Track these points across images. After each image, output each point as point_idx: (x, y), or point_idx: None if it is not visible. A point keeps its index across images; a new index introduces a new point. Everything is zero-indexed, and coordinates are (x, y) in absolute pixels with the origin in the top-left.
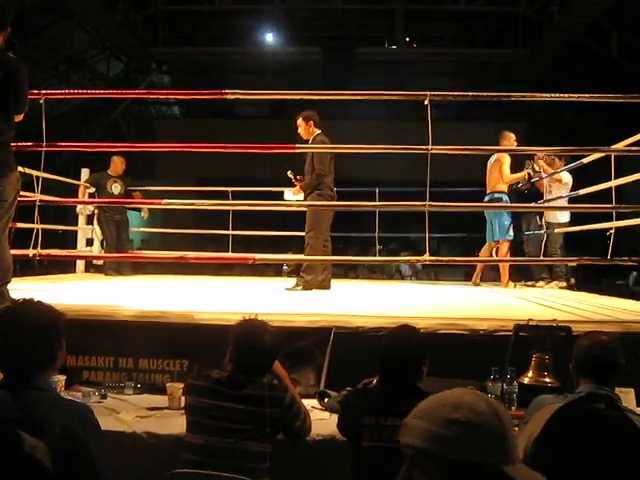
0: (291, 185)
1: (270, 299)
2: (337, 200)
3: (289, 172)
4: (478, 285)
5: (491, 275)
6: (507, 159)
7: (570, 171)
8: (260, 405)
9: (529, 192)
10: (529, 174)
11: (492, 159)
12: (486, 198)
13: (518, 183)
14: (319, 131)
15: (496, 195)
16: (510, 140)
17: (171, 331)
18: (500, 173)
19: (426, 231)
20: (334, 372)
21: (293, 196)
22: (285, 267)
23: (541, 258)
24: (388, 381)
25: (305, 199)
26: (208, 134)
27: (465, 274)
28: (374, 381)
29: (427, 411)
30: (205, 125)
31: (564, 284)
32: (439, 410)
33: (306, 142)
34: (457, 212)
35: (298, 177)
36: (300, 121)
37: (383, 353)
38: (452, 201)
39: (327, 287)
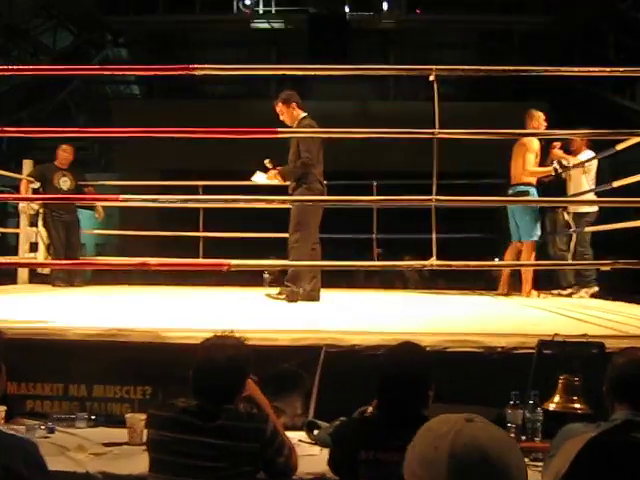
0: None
1: (248, 313)
2: (327, 195)
3: (267, 161)
4: (509, 295)
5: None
6: (534, 144)
7: (601, 159)
8: (236, 438)
9: (553, 184)
10: (556, 169)
11: (517, 143)
12: (509, 191)
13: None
14: (304, 114)
15: (520, 188)
16: (538, 120)
17: (131, 352)
18: (524, 161)
19: (433, 231)
20: (325, 399)
21: (265, 180)
22: (266, 275)
23: (569, 262)
24: (388, 409)
25: (290, 193)
26: (174, 118)
27: (487, 281)
28: (371, 409)
29: (419, 442)
30: (170, 107)
31: (595, 289)
32: (431, 444)
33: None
34: (472, 208)
35: (276, 166)
36: (280, 106)
37: (382, 375)
38: (467, 195)
39: (316, 298)
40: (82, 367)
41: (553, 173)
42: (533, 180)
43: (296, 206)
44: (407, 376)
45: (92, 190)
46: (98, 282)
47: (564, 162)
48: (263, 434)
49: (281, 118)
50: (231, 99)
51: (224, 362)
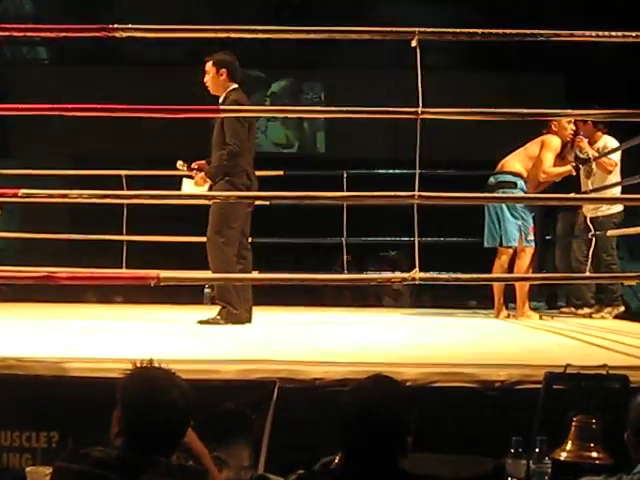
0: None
1: (182, 338)
2: (257, 189)
3: (179, 163)
4: (508, 317)
5: None
6: (555, 142)
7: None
8: None
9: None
10: (576, 167)
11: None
12: (491, 180)
13: None
14: (235, 85)
15: (506, 177)
16: (565, 130)
17: (33, 388)
18: (533, 157)
19: (415, 235)
20: (279, 447)
21: (195, 188)
22: (207, 290)
23: (588, 275)
24: (355, 459)
25: (210, 188)
26: (92, 89)
27: (480, 296)
28: (337, 459)
29: None
30: (86, 75)
31: (621, 309)
32: None
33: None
34: (461, 206)
35: (195, 166)
36: (209, 66)
37: (347, 417)
38: (455, 190)
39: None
40: None
41: (574, 173)
42: (524, 171)
43: (216, 206)
44: (379, 416)
45: None
46: None
47: (581, 155)
48: None
49: (205, 80)
50: (165, 66)
51: (174, 404)
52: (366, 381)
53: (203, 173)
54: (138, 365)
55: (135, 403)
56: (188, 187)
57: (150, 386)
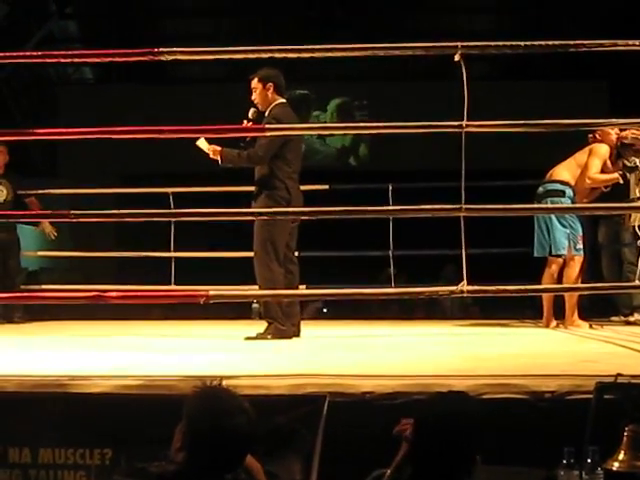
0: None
1: (231, 354)
2: (303, 203)
3: (252, 112)
4: (558, 327)
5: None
6: (603, 150)
7: None
8: None
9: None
10: (623, 175)
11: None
12: (539, 189)
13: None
14: (282, 100)
15: (555, 186)
16: (609, 135)
17: (86, 405)
18: (581, 165)
19: (462, 247)
20: (330, 461)
21: (204, 144)
22: (255, 305)
23: (637, 284)
24: (425, 475)
25: (258, 194)
26: (137, 107)
27: (531, 307)
28: (388, 472)
29: None
30: (132, 94)
31: None
32: None
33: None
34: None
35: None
36: (255, 82)
37: (418, 431)
38: (500, 199)
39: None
40: (24, 425)
41: (621, 181)
42: (572, 179)
43: (259, 222)
44: (453, 434)
45: (35, 201)
46: (46, 316)
47: (629, 163)
48: None
49: (252, 98)
50: (209, 83)
51: (241, 426)
52: (439, 395)
53: (219, 149)
54: (207, 384)
55: (201, 422)
56: (203, 142)
57: (217, 407)
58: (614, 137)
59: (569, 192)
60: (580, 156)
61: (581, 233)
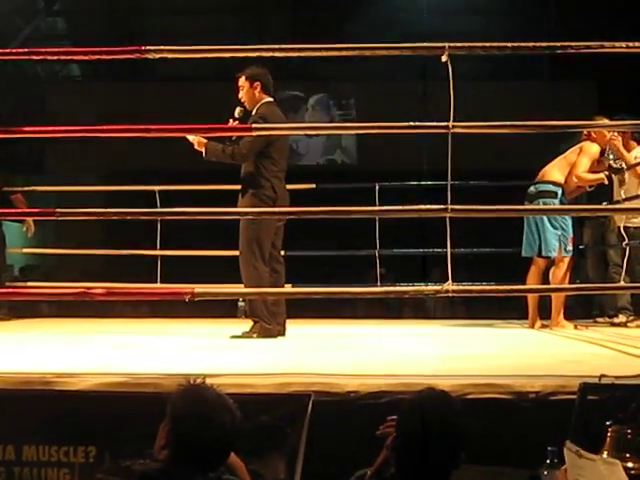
0: None
1: (216, 353)
2: (289, 203)
3: (238, 110)
4: (543, 327)
5: None
6: (593, 149)
7: None
8: None
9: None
10: (609, 176)
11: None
12: (531, 189)
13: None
14: (269, 98)
15: (547, 186)
16: (604, 137)
17: (71, 403)
18: (571, 164)
19: (447, 247)
20: (314, 460)
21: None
22: (241, 303)
23: (622, 285)
24: (407, 474)
25: (243, 193)
26: (124, 104)
27: (516, 308)
28: (369, 472)
29: None
30: (120, 90)
31: None
32: None
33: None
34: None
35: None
36: (243, 81)
37: (403, 429)
38: (487, 200)
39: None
40: (8, 424)
41: (606, 182)
42: (562, 179)
43: (244, 221)
44: (439, 430)
45: (21, 198)
46: (30, 313)
47: (615, 164)
48: None
49: (240, 96)
50: (198, 81)
51: (226, 424)
52: (424, 392)
53: (205, 141)
54: (191, 382)
55: (185, 420)
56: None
57: (202, 405)
58: (608, 137)
59: (561, 193)
60: (571, 155)
61: (572, 234)
